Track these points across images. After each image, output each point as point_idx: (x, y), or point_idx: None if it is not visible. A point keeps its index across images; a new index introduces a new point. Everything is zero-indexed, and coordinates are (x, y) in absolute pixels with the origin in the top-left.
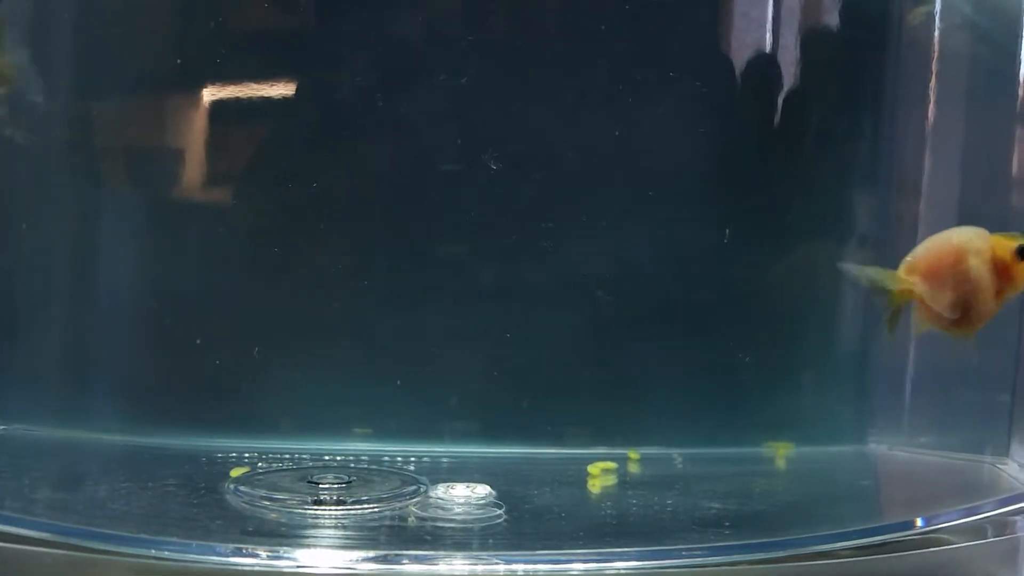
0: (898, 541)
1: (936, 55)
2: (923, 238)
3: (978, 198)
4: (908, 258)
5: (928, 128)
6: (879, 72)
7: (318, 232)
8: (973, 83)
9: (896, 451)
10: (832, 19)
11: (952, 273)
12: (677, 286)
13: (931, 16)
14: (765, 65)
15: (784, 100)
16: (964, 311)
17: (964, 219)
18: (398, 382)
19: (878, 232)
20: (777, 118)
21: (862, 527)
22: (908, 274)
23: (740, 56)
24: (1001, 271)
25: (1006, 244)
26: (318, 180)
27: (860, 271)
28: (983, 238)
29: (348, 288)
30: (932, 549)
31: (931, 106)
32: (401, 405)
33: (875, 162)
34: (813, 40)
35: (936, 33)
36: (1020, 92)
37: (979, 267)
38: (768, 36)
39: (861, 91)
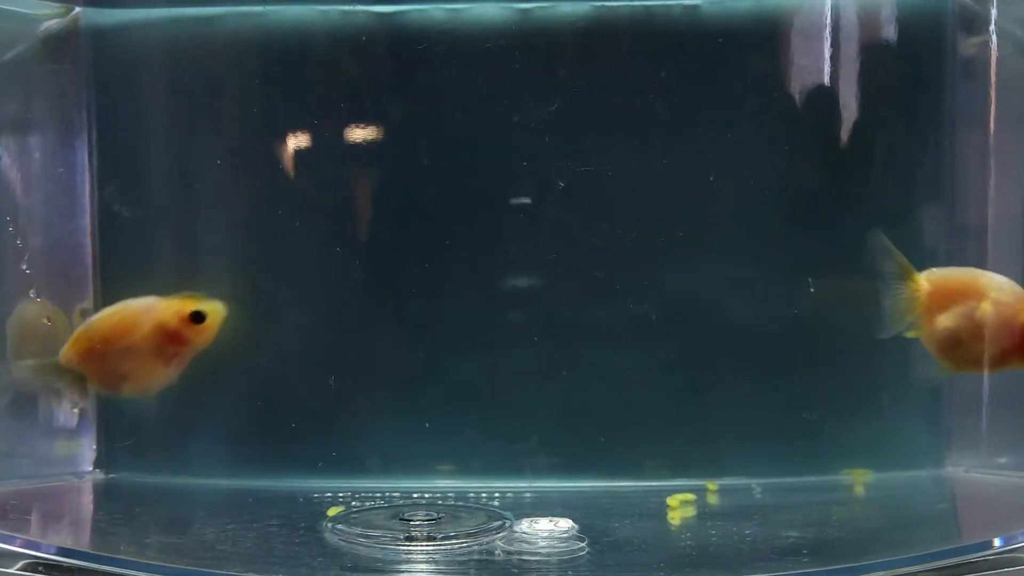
0: (976, 562)
1: (993, 81)
2: (991, 259)
3: None
4: (935, 271)
5: (988, 153)
6: (937, 100)
7: (400, 279)
8: None
9: (973, 473)
10: (888, 51)
11: (963, 307)
12: (750, 317)
13: (986, 45)
14: (824, 98)
15: (844, 132)
16: (956, 347)
17: None
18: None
19: (943, 257)
20: (839, 150)
21: (939, 549)
22: (920, 282)
23: (801, 91)
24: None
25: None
26: (398, 229)
27: (891, 250)
28: (1003, 291)
29: (428, 332)
30: (1010, 569)
31: (991, 129)
32: (484, 443)
33: (937, 188)
34: (870, 72)
35: (992, 60)
36: None
37: (987, 312)
38: (826, 70)
39: (919, 120)
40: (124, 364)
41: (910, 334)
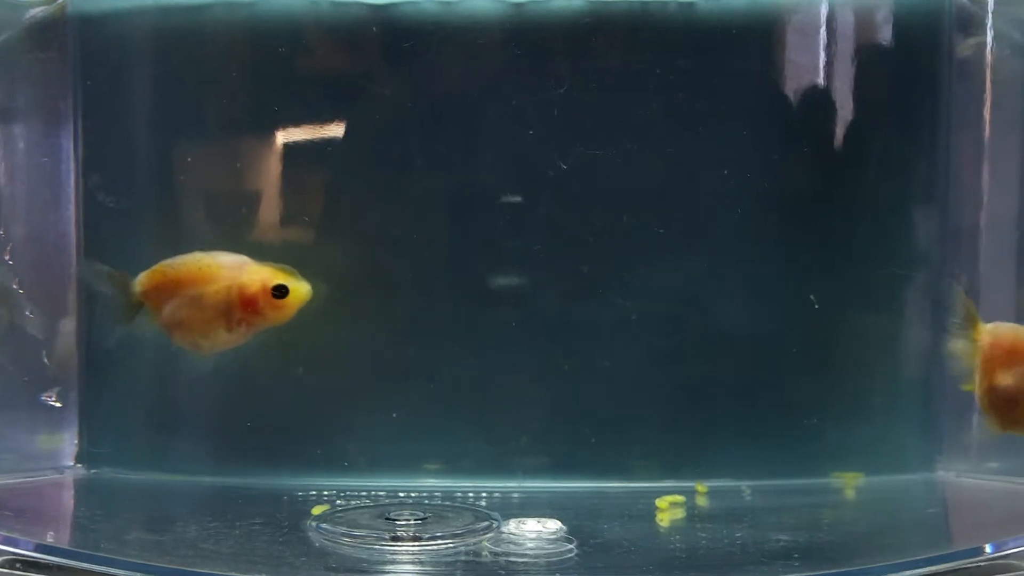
0: (967, 568)
1: (989, 82)
2: (984, 261)
3: None
4: (1000, 325)
5: (984, 152)
6: (933, 101)
7: (387, 276)
8: None
9: (964, 478)
10: (884, 53)
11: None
12: (742, 318)
13: (982, 46)
14: (820, 99)
15: (840, 132)
16: (1008, 406)
17: (1023, 241)
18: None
19: (938, 257)
20: (834, 150)
21: (931, 555)
22: (983, 334)
23: (796, 91)
24: None
25: None
26: (385, 225)
27: (962, 298)
28: None
29: (416, 329)
30: (1003, 575)
31: (986, 131)
32: (471, 442)
33: (932, 189)
34: (866, 74)
35: (988, 61)
36: None
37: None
38: (822, 71)
39: (915, 121)
40: (187, 311)
41: (965, 387)
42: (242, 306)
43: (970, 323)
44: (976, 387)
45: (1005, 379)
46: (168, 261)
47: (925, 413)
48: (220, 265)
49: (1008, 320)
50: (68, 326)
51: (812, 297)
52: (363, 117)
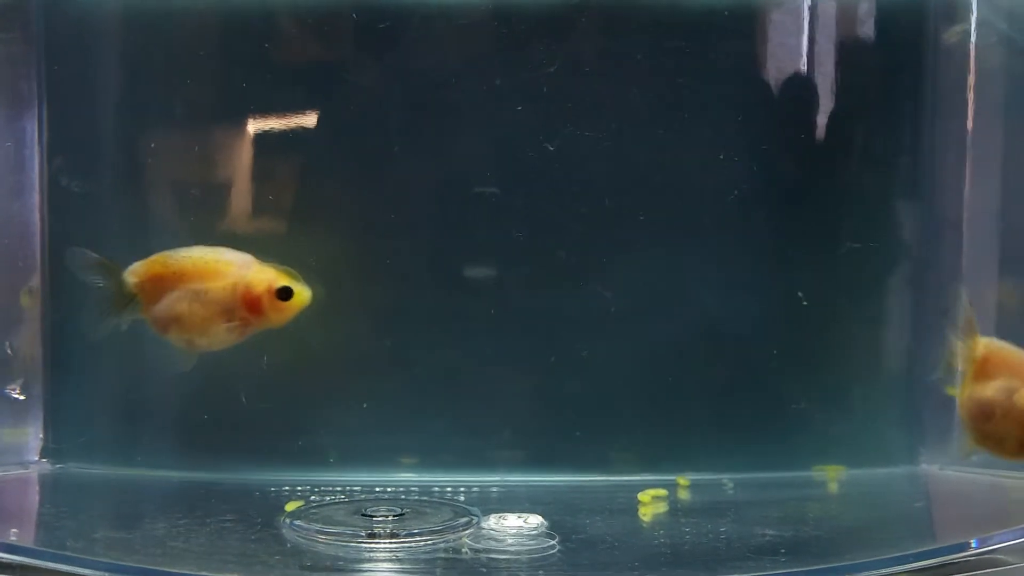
0: (954, 563)
1: (973, 71)
2: (967, 251)
3: (1019, 211)
4: (996, 341)
5: (967, 142)
6: (917, 90)
7: (362, 266)
8: (1011, 97)
9: (948, 471)
10: (868, 40)
11: (1004, 384)
12: (723, 310)
13: (967, 34)
14: (803, 87)
15: (823, 121)
16: (984, 420)
17: (1006, 232)
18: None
19: (921, 248)
20: (817, 139)
21: (918, 550)
22: (975, 347)
23: (779, 79)
24: None
25: None
26: (360, 215)
27: (965, 306)
28: None
29: (393, 319)
30: (987, 570)
31: (969, 121)
32: (449, 435)
33: (916, 179)
34: (850, 61)
35: (973, 50)
36: None
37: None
38: (805, 59)
39: (899, 109)
40: (187, 306)
41: (949, 390)
42: (245, 305)
43: (968, 333)
44: (959, 395)
45: (985, 391)
46: (167, 252)
47: (908, 406)
48: (227, 261)
49: (989, 314)
50: (33, 316)
51: (800, 294)
52: (338, 101)
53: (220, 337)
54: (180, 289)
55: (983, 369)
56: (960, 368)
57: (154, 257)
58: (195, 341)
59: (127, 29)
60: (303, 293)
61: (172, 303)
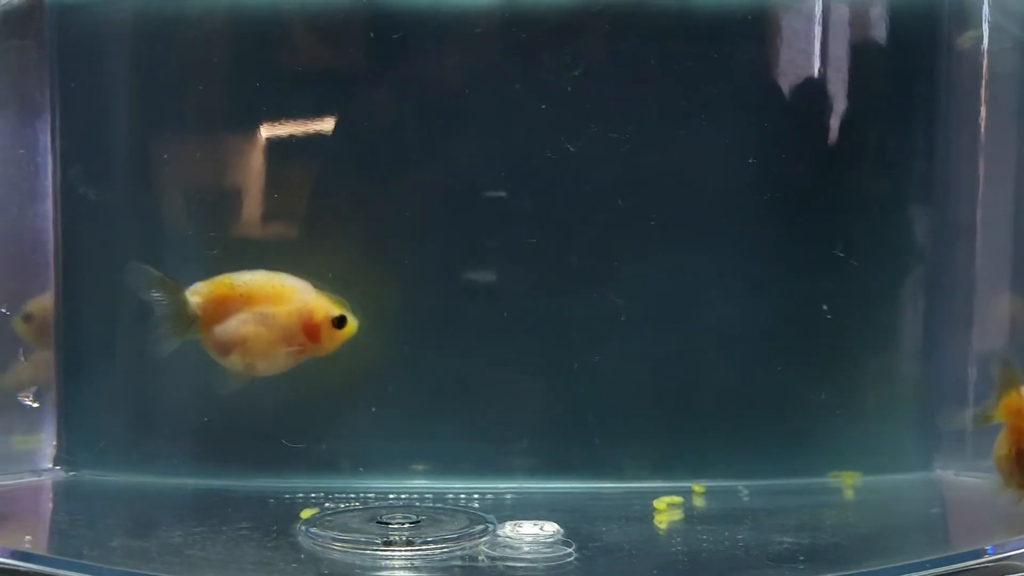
0: (970, 569)
1: (986, 76)
2: (980, 255)
3: None
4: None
5: (980, 147)
6: (930, 95)
7: (375, 272)
8: None
9: (963, 476)
10: (882, 45)
11: None
12: (737, 315)
13: (980, 39)
14: (816, 92)
15: (836, 126)
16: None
17: (1019, 236)
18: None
19: (934, 252)
20: (830, 144)
21: (934, 557)
22: (1018, 400)
23: (792, 84)
24: None
25: None
26: (372, 220)
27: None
28: None
29: (408, 326)
30: None
31: (983, 125)
32: (463, 441)
33: (929, 184)
34: (863, 66)
35: (986, 55)
36: None
37: None
38: (818, 64)
39: (913, 115)
40: (252, 328)
41: (978, 422)
42: (305, 331)
43: (1006, 389)
44: (999, 449)
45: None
46: (231, 274)
47: (922, 411)
48: (290, 287)
49: (1002, 325)
50: (46, 323)
51: (824, 307)
52: (350, 109)
53: (280, 361)
54: (246, 312)
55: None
56: (998, 419)
57: (218, 278)
58: (255, 364)
59: (139, 36)
60: (353, 324)
61: (238, 325)
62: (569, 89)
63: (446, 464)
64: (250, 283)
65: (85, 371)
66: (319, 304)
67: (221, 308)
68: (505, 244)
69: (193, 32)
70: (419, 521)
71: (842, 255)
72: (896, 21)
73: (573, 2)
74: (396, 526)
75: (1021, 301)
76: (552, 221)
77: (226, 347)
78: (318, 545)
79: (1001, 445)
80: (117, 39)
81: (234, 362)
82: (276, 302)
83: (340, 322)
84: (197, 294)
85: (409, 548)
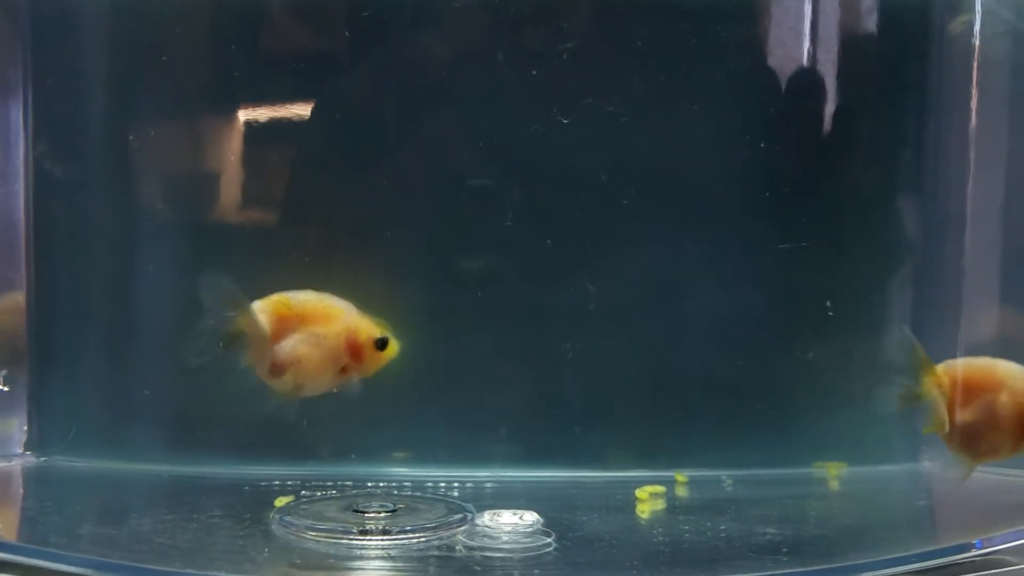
0: (957, 563)
1: (978, 62)
2: (969, 246)
3: (1022, 205)
4: (951, 363)
5: (971, 136)
6: (921, 82)
7: (356, 257)
8: (1016, 90)
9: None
10: (873, 31)
11: (980, 401)
12: (722, 304)
13: (972, 24)
14: (805, 79)
15: (825, 111)
16: (976, 439)
17: (1009, 226)
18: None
19: (923, 242)
20: (819, 132)
21: (921, 551)
22: (940, 376)
23: (781, 70)
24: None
25: None
26: (354, 205)
27: (913, 344)
28: (1019, 380)
29: (386, 312)
30: (991, 571)
31: (974, 114)
32: (442, 429)
33: (920, 171)
34: (854, 53)
35: (977, 40)
36: None
37: (1006, 404)
38: (808, 50)
39: (903, 102)
40: (306, 349)
41: (926, 429)
42: (349, 351)
43: (925, 368)
44: (940, 428)
45: (967, 415)
46: (286, 293)
47: None
48: (338, 307)
49: (991, 316)
50: (17, 305)
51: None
52: (329, 90)
53: (327, 381)
54: (302, 332)
55: (954, 396)
56: (930, 401)
57: (275, 297)
58: (304, 386)
59: (114, 14)
60: (395, 346)
61: (295, 345)
62: (552, 71)
63: (425, 452)
64: (304, 303)
65: (57, 355)
66: (363, 325)
67: (280, 327)
68: (486, 231)
69: (168, 11)
70: (396, 510)
71: (806, 244)
72: (887, 6)
73: None
74: (372, 515)
75: (1010, 291)
76: (534, 208)
77: (282, 367)
78: (292, 534)
79: (939, 424)
80: (92, 17)
81: (285, 382)
82: (325, 323)
83: (383, 344)
84: (263, 312)
85: (385, 537)
